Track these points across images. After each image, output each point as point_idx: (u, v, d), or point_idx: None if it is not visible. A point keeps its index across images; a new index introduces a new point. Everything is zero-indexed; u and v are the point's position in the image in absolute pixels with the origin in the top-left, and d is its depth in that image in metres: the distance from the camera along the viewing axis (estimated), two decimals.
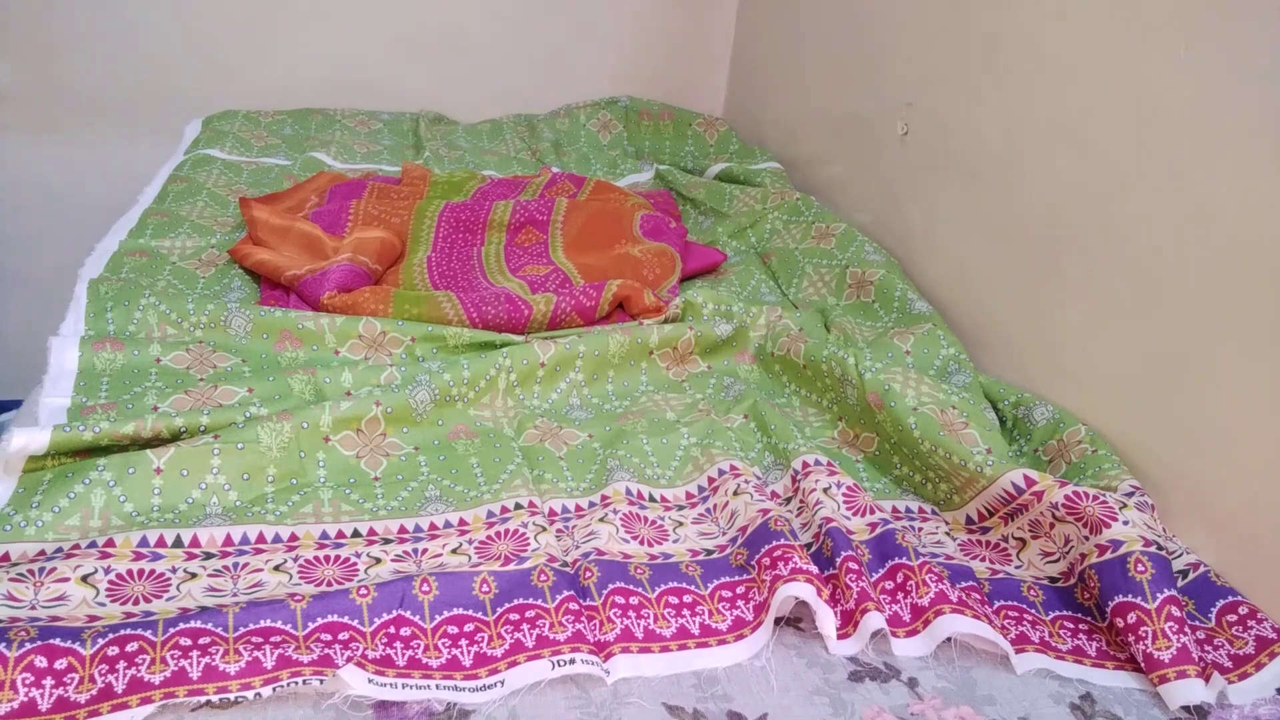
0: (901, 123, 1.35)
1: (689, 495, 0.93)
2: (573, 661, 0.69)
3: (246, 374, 1.00)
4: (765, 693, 0.71)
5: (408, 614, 0.72)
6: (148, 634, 0.65)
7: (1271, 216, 0.80)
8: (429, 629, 0.71)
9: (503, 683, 0.68)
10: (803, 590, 0.75)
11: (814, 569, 0.77)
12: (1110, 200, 0.97)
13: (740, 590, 0.79)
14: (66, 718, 0.61)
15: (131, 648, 0.64)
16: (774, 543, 0.80)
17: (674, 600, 0.78)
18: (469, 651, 0.70)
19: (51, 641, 0.63)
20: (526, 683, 0.68)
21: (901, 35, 1.37)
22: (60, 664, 0.63)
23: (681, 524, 0.89)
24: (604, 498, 0.90)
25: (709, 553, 0.84)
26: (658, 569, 0.81)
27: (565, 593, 0.75)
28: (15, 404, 1.02)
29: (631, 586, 0.78)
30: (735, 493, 0.88)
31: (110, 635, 0.65)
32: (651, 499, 0.91)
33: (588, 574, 0.78)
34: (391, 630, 0.70)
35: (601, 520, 0.86)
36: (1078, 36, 1.02)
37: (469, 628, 0.72)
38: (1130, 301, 0.95)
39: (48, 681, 0.62)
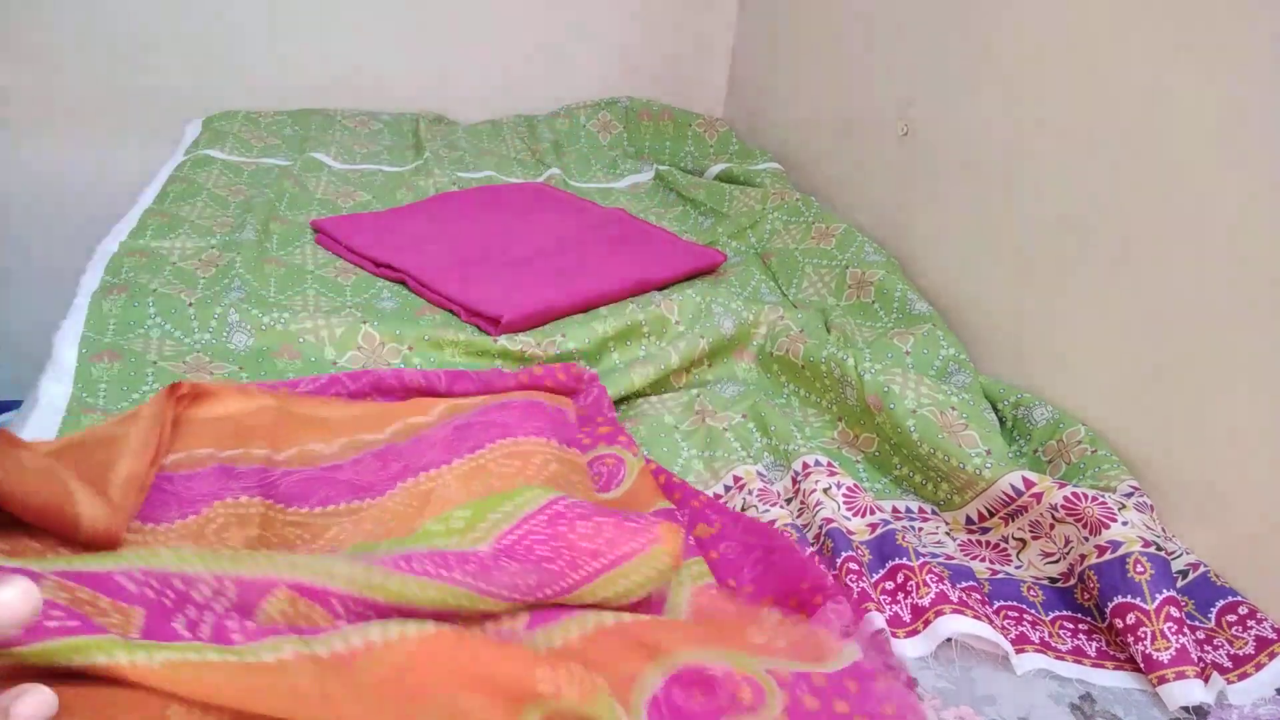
0: (901, 123, 1.35)
1: None
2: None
3: (244, 380, 1.00)
4: None
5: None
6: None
7: (1272, 217, 0.80)
8: None
9: None
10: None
11: (828, 580, 0.77)
12: (1111, 200, 0.97)
13: None
14: None
15: None
16: None
17: None
18: None
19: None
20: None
21: (901, 35, 1.37)
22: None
23: None
24: None
25: None
26: None
27: None
28: (15, 404, 1.02)
29: None
30: (742, 509, 0.88)
31: None
32: None
33: None
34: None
35: None
36: (1078, 37, 1.02)
37: None
38: (1130, 301, 0.95)
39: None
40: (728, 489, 0.92)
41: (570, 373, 0.96)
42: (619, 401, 1.07)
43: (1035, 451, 0.99)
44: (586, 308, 1.16)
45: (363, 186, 1.55)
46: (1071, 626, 0.80)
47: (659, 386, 1.11)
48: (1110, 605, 0.77)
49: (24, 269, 1.85)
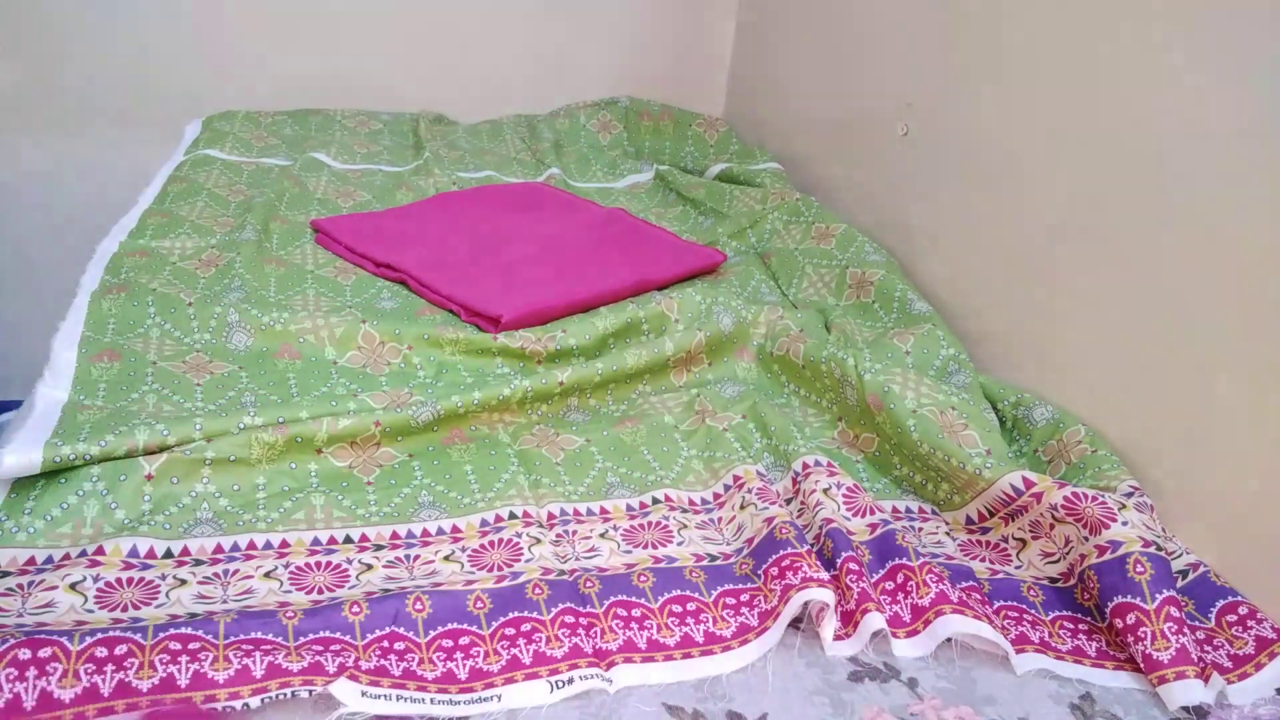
0: (901, 123, 1.35)
1: (691, 502, 0.93)
2: (571, 681, 0.69)
3: (244, 379, 1.00)
4: (765, 692, 0.71)
5: (401, 629, 0.71)
6: (137, 637, 0.64)
7: (1271, 217, 0.80)
8: (423, 643, 0.71)
9: (499, 697, 0.67)
10: (827, 596, 0.75)
11: (825, 575, 0.77)
12: (1110, 200, 0.97)
13: (745, 598, 0.79)
14: (51, 718, 0.59)
15: (120, 650, 0.63)
16: (781, 552, 0.80)
17: (677, 609, 0.78)
18: (464, 665, 0.70)
19: (37, 636, 0.62)
20: (526, 705, 0.67)
21: (901, 36, 1.37)
22: (44, 653, 0.61)
23: (685, 526, 0.89)
24: (604, 510, 0.90)
25: (713, 558, 0.84)
26: (661, 574, 0.81)
27: (561, 605, 0.75)
28: (15, 404, 1.02)
29: (634, 599, 0.78)
30: (741, 507, 0.88)
31: (99, 635, 0.64)
32: (655, 500, 0.92)
33: (589, 584, 0.78)
34: (385, 645, 0.70)
35: (603, 536, 0.86)
36: (1078, 36, 1.02)
37: (464, 640, 0.72)
38: (1130, 301, 0.95)
39: (31, 673, 0.60)
40: (727, 488, 0.92)
41: None
42: (611, 380, 1.07)
43: (1035, 451, 0.99)
44: (586, 308, 1.16)
45: (363, 186, 1.54)
46: (1071, 626, 0.80)
47: (659, 386, 1.11)
48: (1110, 605, 0.77)
49: (24, 269, 1.85)
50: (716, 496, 0.93)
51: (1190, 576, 0.84)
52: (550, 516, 0.88)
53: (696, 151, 1.83)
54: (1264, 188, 0.81)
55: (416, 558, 0.81)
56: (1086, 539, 0.81)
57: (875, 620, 0.74)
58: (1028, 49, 1.10)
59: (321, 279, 1.21)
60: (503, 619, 0.73)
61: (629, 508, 0.90)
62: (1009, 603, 0.81)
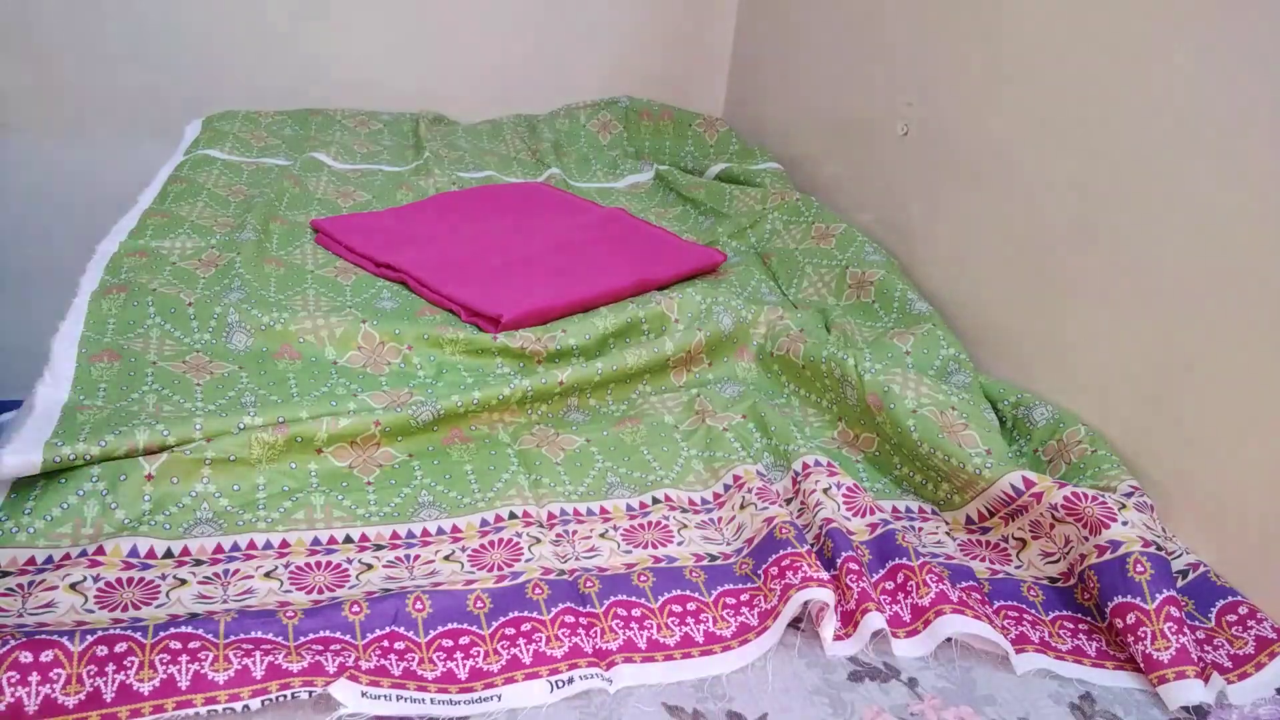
0: (901, 123, 1.35)
1: (691, 502, 0.93)
2: (571, 681, 0.69)
3: (244, 380, 1.00)
4: (765, 692, 0.71)
5: (401, 629, 0.72)
6: (137, 635, 0.64)
7: (1271, 217, 0.80)
8: (423, 643, 0.71)
9: (499, 697, 0.67)
10: (827, 595, 0.75)
11: (825, 575, 0.77)
12: (1110, 200, 0.97)
13: (745, 598, 0.79)
14: None
15: (120, 648, 0.63)
16: (781, 551, 0.80)
17: (677, 609, 0.78)
18: (464, 665, 0.70)
19: (38, 636, 0.62)
20: (527, 705, 0.67)
21: (901, 35, 1.37)
22: (46, 656, 0.61)
23: (685, 526, 0.89)
24: (604, 510, 0.90)
25: (713, 558, 0.84)
26: (661, 574, 0.81)
27: (561, 605, 0.75)
28: (15, 404, 1.02)
29: (634, 598, 0.78)
30: (741, 506, 0.89)
31: (99, 634, 0.64)
32: (655, 500, 0.92)
33: (589, 583, 0.78)
34: (385, 644, 0.70)
35: (603, 536, 0.86)
36: (1078, 36, 1.02)
37: (464, 640, 0.72)
38: (1130, 301, 0.95)
39: (34, 678, 0.60)
40: (727, 488, 0.92)
41: None
42: (611, 380, 1.07)
43: (1035, 451, 0.99)
44: (586, 308, 1.16)
45: (363, 186, 1.55)
46: (1071, 626, 0.80)
47: (659, 386, 1.11)
48: (1110, 605, 0.77)
49: (24, 269, 1.85)
50: (716, 496, 0.93)
51: (1190, 576, 0.84)
52: (550, 516, 0.88)
53: (696, 151, 1.83)
54: (1264, 187, 0.81)
55: (416, 557, 0.81)
56: (1086, 539, 0.81)
57: (875, 620, 0.74)
58: (1028, 49, 1.10)
59: (321, 279, 1.22)
60: (503, 619, 0.74)
61: (629, 508, 0.91)
62: (1009, 603, 0.81)
